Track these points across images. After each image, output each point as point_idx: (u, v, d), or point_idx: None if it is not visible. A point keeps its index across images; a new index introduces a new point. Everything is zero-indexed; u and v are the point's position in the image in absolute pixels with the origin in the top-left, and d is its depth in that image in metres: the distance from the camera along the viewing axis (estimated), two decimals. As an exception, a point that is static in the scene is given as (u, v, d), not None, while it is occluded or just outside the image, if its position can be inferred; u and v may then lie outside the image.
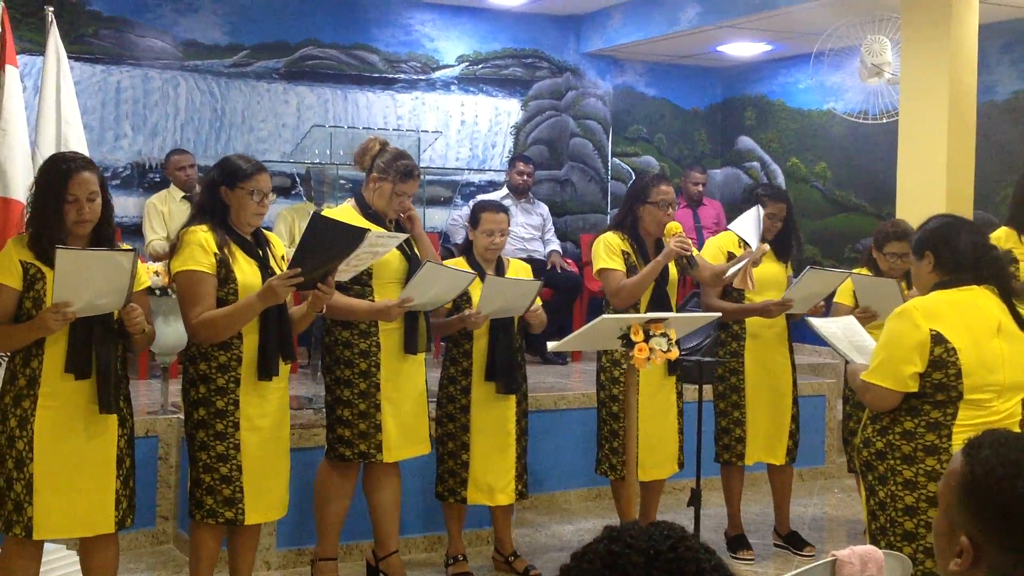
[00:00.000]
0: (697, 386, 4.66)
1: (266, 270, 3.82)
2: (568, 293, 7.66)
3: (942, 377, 3.10)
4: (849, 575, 2.21)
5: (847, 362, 5.19)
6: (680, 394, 4.96)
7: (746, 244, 5.02)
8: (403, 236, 4.23)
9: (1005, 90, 7.50)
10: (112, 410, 3.50)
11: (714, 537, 5.35)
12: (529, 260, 7.45)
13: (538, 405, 5.85)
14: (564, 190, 9.24)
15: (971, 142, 6.20)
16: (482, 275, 4.58)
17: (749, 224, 4.89)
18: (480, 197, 7.80)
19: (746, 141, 9.69)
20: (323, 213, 4.27)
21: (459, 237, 7.65)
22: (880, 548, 3.21)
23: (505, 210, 4.79)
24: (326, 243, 3.71)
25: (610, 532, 1.25)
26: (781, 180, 9.18)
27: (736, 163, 9.76)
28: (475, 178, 8.76)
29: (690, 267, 4.74)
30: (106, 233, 3.56)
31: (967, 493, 1.51)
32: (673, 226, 4.68)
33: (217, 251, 3.73)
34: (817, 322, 3.73)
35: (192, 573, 3.94)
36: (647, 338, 4.05)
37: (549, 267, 7.66)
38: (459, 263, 4.70)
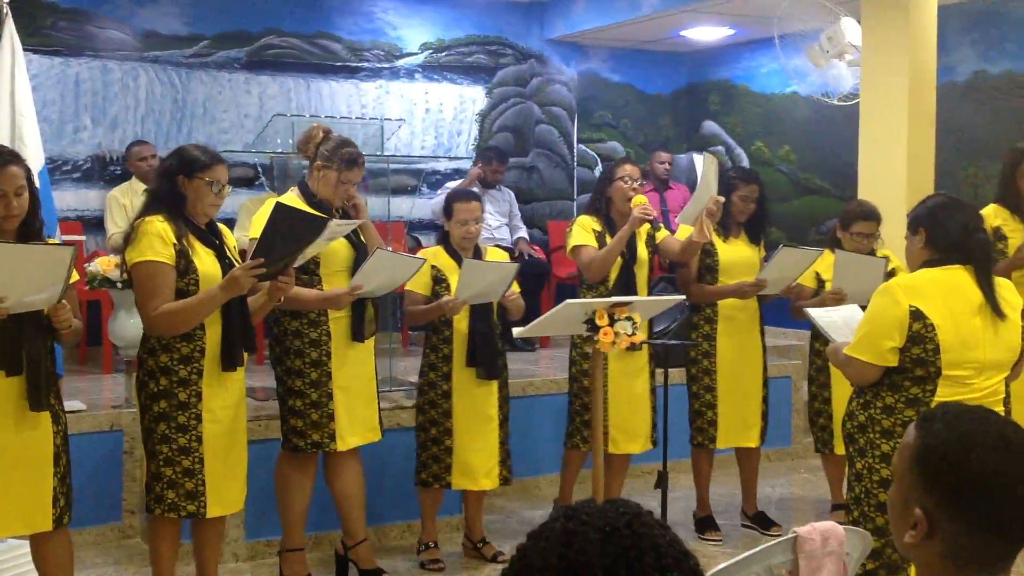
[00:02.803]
0: (677, 368, 4.73)
1: (223, 260, 3.79)
2: (535, 280, 7.67)
3: (921, 352, 3.18)
4: (810, 551, 2.23)
5: (814, 342, 5.25)
6: (653, 373, 5.03)
7: (718, 228, 5.11)
8: (356, 223, 4.22)
9: (965, 71, 7.57)
10: (43, 407, 3.41)
11: (682, 519, 5.39)
12: (497, 247, 7.46)
13: (520, 392, 5.86)
14: (530, 177, 9.24)
15: (931, 123, 6.26)
16: (460, 264, 4.61)
17: (702, 179, 4.91)
18: (449, 185, 7.80)
19: (711, 126, 9.73)
20: (268, 202, 4.22)
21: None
22: (855, 516, 3.29)
23: (478, 198, 4.86)
24: (288, 233, 3.69)
25: (566, 510, 1.25)
26: (746, 164, 9.22)
27: (701, 148, 9.77)
28: (441, 166, 8.73)
29: (655, 229, 5.01)
30: (33, 227, 3.49)
31: (920, 465, 1.53)
32: (638, 199, 4.86)
33: (176, 242, 3.68)
34: (815, 312, 3.79)
35: (154, 568, 3.90)
36: (612, 322, 4.07)
37: (517, 254, 7.66)
38: (437, 252, 4.75)
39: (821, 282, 5.15)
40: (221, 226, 3.97)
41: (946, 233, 3.27)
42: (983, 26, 7.49)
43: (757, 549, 2.25)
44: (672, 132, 9.90)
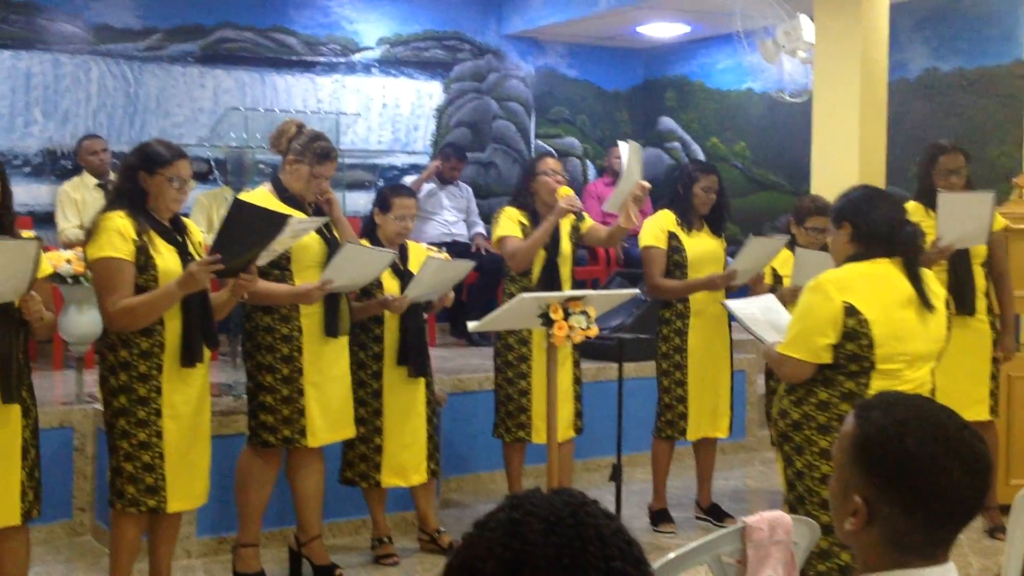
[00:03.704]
0: (631, 363, 4.76)
1: (185, 256, 3.75)
2: (493, 275, 7.65)
3: (855, 348, 3.15)
4: (758, 540, 2.25)
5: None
6: (577, 363, 5.05)
7: (680, 222, 5.15)
8: (323, 220, 4.19)
9: (916, 67, 7.66)
10: (15, 399, 3.40)
11: (637, 512, 5.42)
12: (453, 243, 7.46)
13: (463, 387, 5.87)
14: (488, 172, 9.24)
15: (882, 119, 6.33)
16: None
17: (627, 166, 4.91)
18: (406, 180, 7.79)
19: (667, 122, 9.78)
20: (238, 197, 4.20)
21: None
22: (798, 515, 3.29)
23: (414, 195, 4.87)
24: (247, 229, 3.66)
25: (512, 500, 1.25)
26: (703, 160, 9.28)
27: (658, 143, 9.84)
28: (398, 161, 8.71)
29: (579, 220, 5.04)
30: (5, 220, 3.47)
31: (859, 453, 1.54)
32: (564, 190, 4.90)
33: (136, 237, 3.65)
34: (734, 304, 3.77)
35: (112, 564, 3.87)
36: (566, 316, 4.08)
37: (474, 249, 7.67)
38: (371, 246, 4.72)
39: (778, 278, 5.20)
40: (188, 222, 3.94)
41: (872, 226, 3.21)
42: (934, 24, 7.59)
43: (706, 539, 2.27)
44: (629, 128, 9.94)
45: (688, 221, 5.17)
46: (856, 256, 3.23)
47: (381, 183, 8.51)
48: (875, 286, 3.18)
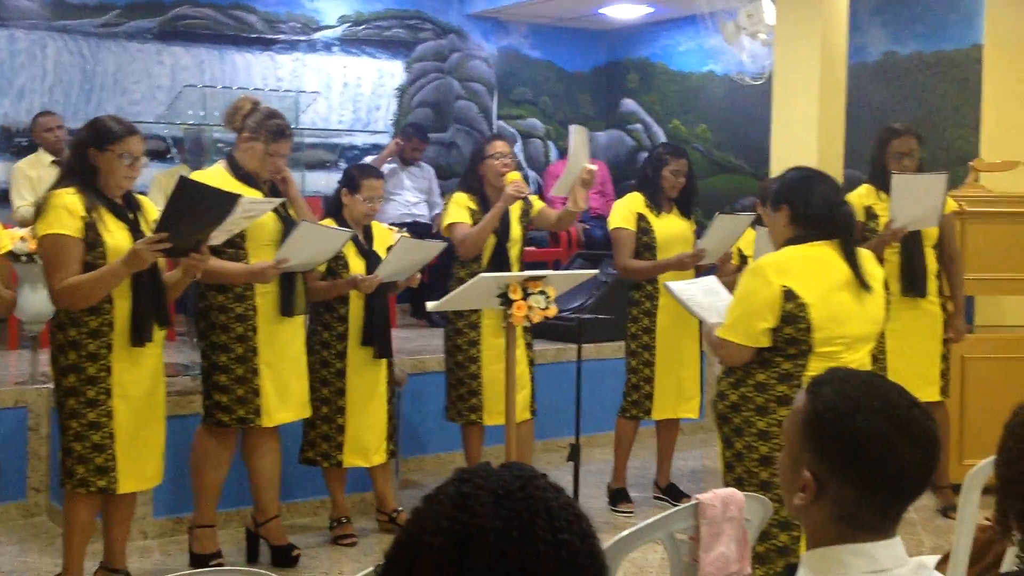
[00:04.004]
0: (579, 344, 4.74)
1: (137, 234, 3.70)
2: (453, 256, 7.65)
3: (793, 332, 3.13)
4: (711, 517, 2.27)
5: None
6: (530, 345, 5.07)
7: (649, 204, 5.16)
8: (278, 201, 4.15)
9: (876, 51, 7.71)
10: None
11: (595, 492, 5.45)
12: (415, 224, 7.44)
13: (423, 367, 5.86)
14: (450, 153, 9.21)
15: (841, 102, 6.37)
16: (354, 239, 4.60)
17: (571, 148, 4.91)
18: (367, 160, 7.74)
19: (629, 104, 9.79)
20: (192, 176, 4.15)
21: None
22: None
23: (382, 176, 4.87)
24: (195, 208, 3.61)
25: (460, 474, 1.26)
26: (664, 142, 9.30)
27: (620, 125, 9.86)
28: (359, 141, 8.66)
29: (529, 207, 5.03)
30: None
31: (809, 429, 1.56)
32: (512, 175, 4.89)
33: (85, 214, 3.60)
34: (675, 285, 3.77)
35: (65, 544, 3.84)
36: (525, 295, 4.08)
37: (435, 230, 7.64)
38: (328, 225, 4.68)
39: (744, 258, 5.24)
40: (143, 199, 3.89)
41: (809, 208, 3.19)
42: (893, 7, 7.64)
43: (660, 516, 2.28)
44: (591, 110, 9.94)
45: (657, 203, 5.19)
46: (795, 239, 3.21)
47: (343, 163, 8.46)
48: (814, 269, 3.16)
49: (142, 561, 4.49)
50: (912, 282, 5.01)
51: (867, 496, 1.52)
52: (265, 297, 4.23)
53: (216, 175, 4.16)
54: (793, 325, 3.12)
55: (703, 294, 3.61)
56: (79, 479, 3.68)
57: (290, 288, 4.26)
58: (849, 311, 3.18)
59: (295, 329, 4.36)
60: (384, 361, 4.72)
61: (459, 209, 4.95)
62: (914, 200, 4.83)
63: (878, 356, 5.08)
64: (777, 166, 6.34)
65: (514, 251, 5.02)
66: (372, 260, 4.60)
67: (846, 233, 3.19)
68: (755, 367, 3.22)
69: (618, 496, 5.39)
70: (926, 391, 5.07)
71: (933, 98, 7.37)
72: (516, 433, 5.00)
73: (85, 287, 3.57)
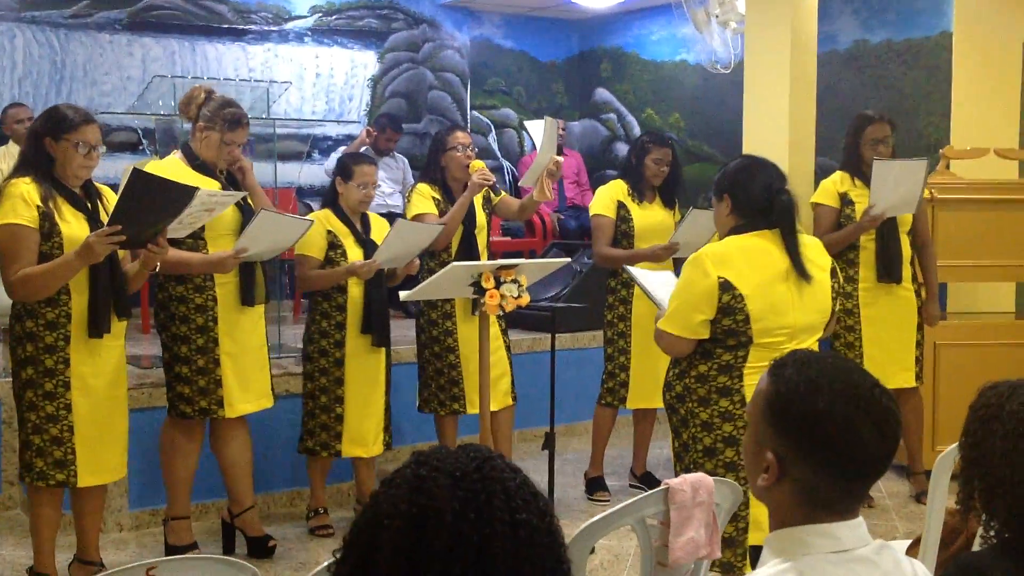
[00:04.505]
0: (566, 333, 4.76)
1: (95, 224, 3.67)
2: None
3: (731, 323, 3.10)
4: (681, 501, 2.28)
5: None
6: (504, 331, 5.08)
7: (631, 192, 5.17)
8: (240, 195, 4.13)
9: (846, 39, 7.75)
10: None
11: (572, 480, 5.47)
12: (388, 215, 7.41)
13: (399, 358, 5.84)
14: (423, 143, 9.17)
15: (812, 90, 6.40)
16: (353, 228, 4.60)
17: (540, 139, 4.92)
18: (340, 151, 7.72)
19: (603, 93, 9.80)
20: (148, 166, 4.11)
21: None
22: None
23: (375, 162, 4.86)
24: (150, 200, 3.57)
25: (418, 456, 1.27)
26: (637, 131, 9.32)
27: (594, 115, 9.87)
28: (332, 132, 8.63)
29: (495, 194, 5.04)
30: None
31: (771, 410, 1.57)
32: (476, 163, 4.90)
33: (41, 204, 3.57)
34: (633, 270, 3.76)
35: (33, 538, 3.83)
36: (498, 284, 4.09)
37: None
38: (328, 216, 4.69)
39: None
40: (104, 189, 3.86)
41: (750, 197, 3.14)
42: (864, -4, 7.68)
43: (630, 501, 2.29)
44: (565, 99, 9.94)
45: (639, 192, 5.20)
46: (736, 228, 3.18)
47: (316, 154, 8.44)
48: (752, 260, 3.12)
49: (118, 553, 4.48)
50: (888, 269, 5.05)
51: (829, 476, 1.53)
52: (225, 287, 4.20)
53: (172, 165, 4.13)
54: (731, 316, 3.09)
55: (659, 287, 3.58)
56: (38, 472, 3.66)
57: (250, 278, 4.24)
58: (789, 301, 3.13)
59: (256, 319, 4.34)
60: (383, 350, 4.71)
61: (424, 200, 4.93)
62: (894, 186, 4.86)
63: (853, 343, 5.13)
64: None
65: (481, 239, 5.02)
66: (370, 249, 4.60)
67: (786, 222, 3.14)
68: (697, 358, 3.20)
69: (594, 484, 5.41)
70: (901, 377, 5.12)
71: (903, 86, 7.41)
72: (495, 422, 5.02)
73: (39, 279, 3.54)
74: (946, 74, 6.87)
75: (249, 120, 4.29)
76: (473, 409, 4.95)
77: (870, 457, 1.54)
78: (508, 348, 5.10)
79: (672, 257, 5.14)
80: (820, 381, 1.55)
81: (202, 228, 4.09)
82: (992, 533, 1.88)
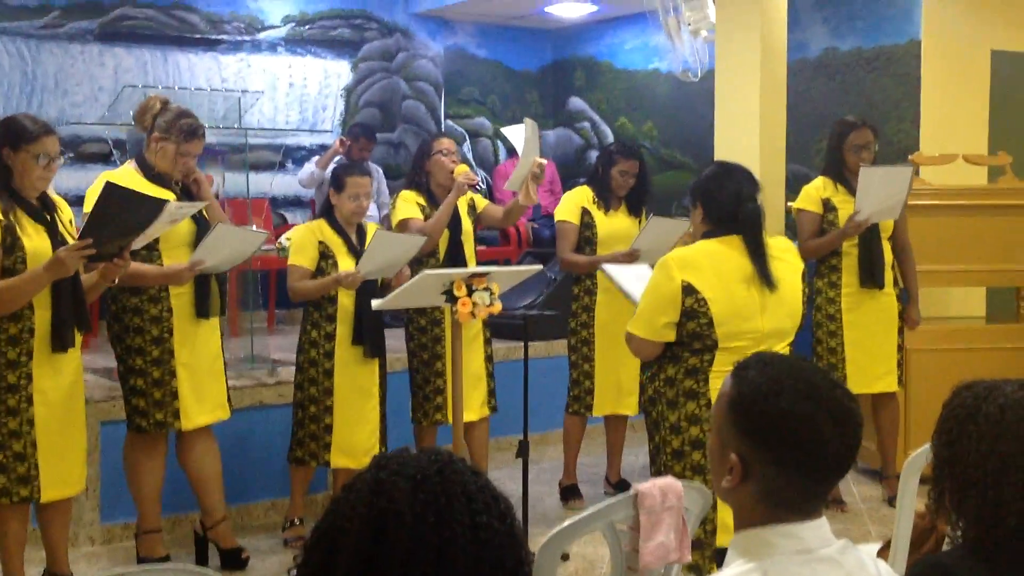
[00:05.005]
0: (541, 341, 4.75)
1: (55, 237, 3.64)
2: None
3: (695, 327, 3.13)
4: (650, 506, 2.28)
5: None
6: (488, 341, 5.05)
7: (596, 199, 5.20)
8: (201, 205, 4.11)
9: (816, 47, 7.80)
10: None
11: (547, 489, 5.47)
12: (360, 227, 7.40)
13: (397, 368, 5.81)
14: (397, 153, 9.19)
15: (782, 98, 6.43)
16: (346, 239, 4.59)
17: (521, 143, 4.90)
18: (316, 159, 7.69)
19: (577, 102, 9.82)
20: (100, 178, 4.06)
21: (313, 188, 7.63)
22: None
23: (369, 173, 4.84)
24: (121, 214, 3.55)
25: (378, 460, 1.26)
26: (611, 140, 9.34)
27: (568, 124, 9.89)
28: (306, 141, 8.61)
29: (476, 192, 5.06)
30: None
31: (734, 411, 1.58)
32: (461, 167, 4.91)
33: (2, 217, 3.53)
34: (609, 268, 3.79)
35: (1, 555, 3.76)
36: (470, 292, 4.08)
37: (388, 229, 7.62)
38: (321, 226, 4.68)
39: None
40: (57, 199, 3.82)
41: (718, 204, 3.20)
42: (833, 4, 7.73)
43: (599, 506, 2.29)
44: (539, 108, 9.96)
45: (605, 200, 5.22)
46: (707, 234, 3.23)
47: (289, 164, 8.42)
48: (717, 264, 3.15)
49: (90, 567, 4.44)
50: (871, 274, 5.09)
51: (791, 476, 1.54)
52: (181, 298, 4.17)
53: (126, 176, 4.06)
54: (695, 320, 3.12)
55: (636, 279, 3.63)
56: (1, 489, 3.60)
57: (205, 290, 4.21)
58: (754, 306, 3.15)
59: (211, 330, 4.30)
60: (376, 361, 4.68)
61: (408, 205, 4.93)
62: (879, 193, 4.90)
63: (836, 348, 5.16)
64: (721, 162, 6.39)
65: (468, 246, 5.01)
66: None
67: (751, 230, 3.17)
68: (666, 362, 3.24)
69: (569, 492, 5.41)
70: (884, 381, 5.16)
71: (873, 93, 7.47)
72: (470, 433, 5.01)
73: (7, 294, 3.49)
74: (915, 81, 6.93)
75: (205, 131, 4.25)
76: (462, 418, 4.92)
77: (832, 457, 1.54)
78: (490, 358, 5.08)
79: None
80: (782, 382, 1.56)
81: (156, 240, 4.04)
82: (959, 533, 1.89)
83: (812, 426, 1.53)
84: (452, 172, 4.89)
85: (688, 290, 3.10)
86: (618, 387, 5.30)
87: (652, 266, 5.08)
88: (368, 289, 4.58)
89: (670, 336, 3.16)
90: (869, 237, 5.06)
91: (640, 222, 5.31)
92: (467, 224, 5.02)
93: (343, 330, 4.60)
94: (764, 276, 3.14)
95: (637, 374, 5.35)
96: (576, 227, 5.18)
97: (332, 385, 4.60)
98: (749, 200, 3.19)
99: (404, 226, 4.90)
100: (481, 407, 5.01)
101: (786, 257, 3.27)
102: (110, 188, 3.55)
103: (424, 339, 4.91)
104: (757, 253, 3.16)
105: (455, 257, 4.90)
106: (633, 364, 5.34)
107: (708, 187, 3.24)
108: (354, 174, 4.69)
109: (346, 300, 4.59)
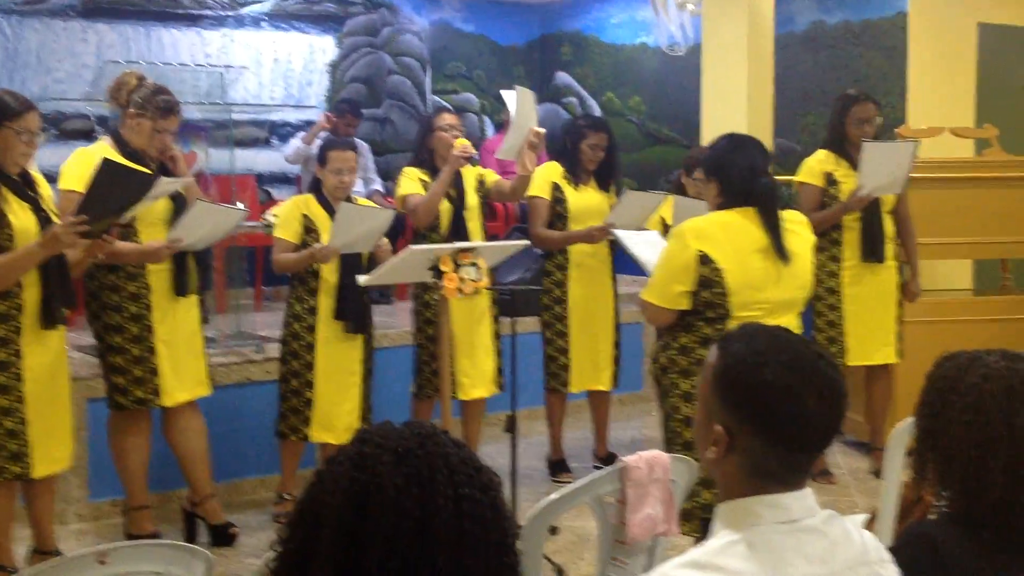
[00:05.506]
0: (531, 317, 4.75)
1: (39, 213, 3.64)
2: (392, 232, 7.54)
3: (709, 296, 3.21)
4: (637, 479, 2.29)
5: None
6: (496, 319, 5.03)
7: (566, 175, 5.16)
8: (187, 180, 4.10)
9: (803, 21, 7.78)
10: None
11: (536, 463, 5.48)
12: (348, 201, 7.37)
13: (391, 343, 5.80)
14: (384, 129, 9.15)
15: (769, 72, 6.43)
16: (331, 214, 4.56)
17: (513, 110, 4.85)
18: (299, 135, 7.66)
19: (563, 77, 9.78)
20: (74, 154, 4.04)
21: (299, 165, 7.58)
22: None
23: (354, 148, 4.78)
24: (115, 190, 3.55)
25: (361, 434, 1.26)
26: (598, 115, 9.32)
27: (555, 99, 9.85)
28: (292, 117, 8.57)
29: (472, 163, 5.01)
30: None
31: (719, 383, 1.58)
32: (460, 141, 4.88)
33: None
34: (621, 234, 3.84)
35: (-10, 532, 3.77)
36: (456, 268, 4.07)
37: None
38: (308, 201, 4.68)
39: (667, 227, 5.26)
40: (36, 175, 3.79)
41: (733, 178, 3.27)
42: (821, -23, 7.71)
43: (586, 479, 2.30)
44: (526, 83, 9.87)
45: (575, 174, 5.21)
46: (720, 205, 3.29)
47: (274, 140, 8.38)
48: (731, 235, 3.23)
49: (79, 544, 4.45)
50: (872, 248, 5.10)
51: (775, 448, 1.54)
52: (159, 275, 4.16)
53: (102, 152, 4.00)
54: (709, 289, 3.20)
55: (646, 245, 3.68)
56: None
57: (183, 267, 4.20)
58: (767, 276, 3.23)
59: (189, 306, 4.29)
60: (361, 337, 4.67)
61: (411, 181, 4.93)
62: (882, 168, 4.91)
63: (836, 321, 5.18)
64: (708, 137, 6.38)
65: (473, 223, 4.98)
66: None
67: (766, 203, 3.25)
68: (680, 331, 3.30)
69: (557, 467, 5.43)
70: (883, 353, 5.20)
71: (861, 66, 7.45)
72: (471, 408, 5.02)
73: (1, 271, 3.49)
74: (902, 54, 6.92)
75: (183, 108, 4.22)
76: (463, 395, 4.94)
77: (814, 428, 1.55)
78: (497, 335, 5.05)
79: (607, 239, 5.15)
80: (766, 353, 1.56)
81: (133, 217, 4.01)
82: (943, 503, 1.90)
83: (795, 398, 1.53)
84: (452, 147, 4.87)
85: (704, 260, 3.18)
86: (594, 363, 5.30)
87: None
88: (351, 264, 4.56)
89: (684, 304, 3.24)
90: (870, 211, 5.07)
91: (610, 196, 5.29)
92: (472, 199, 5.00)
93: (326, 305, 4.59)
94: (778, 248, 3.22)
95: (611, 349, 5.36)
96: (548, 202, 5.17)
97: (314, 359, 4.60)
98: (763, 173, 3.27)
99: (404, 201, 4.90)
100: (491, 384, 5.00)
101: (798, 229, 3.34)
102: (107, 164, 3.54)
103: (430, 314, 4.87)
104: (772, 225, 3.24)
105: (457, 231, 4.87)
106: (607, 340, 5.34)
107: (722, 161, 3.31)
108: (337, 148, 4.66)
109: (329, 275, 4.58)
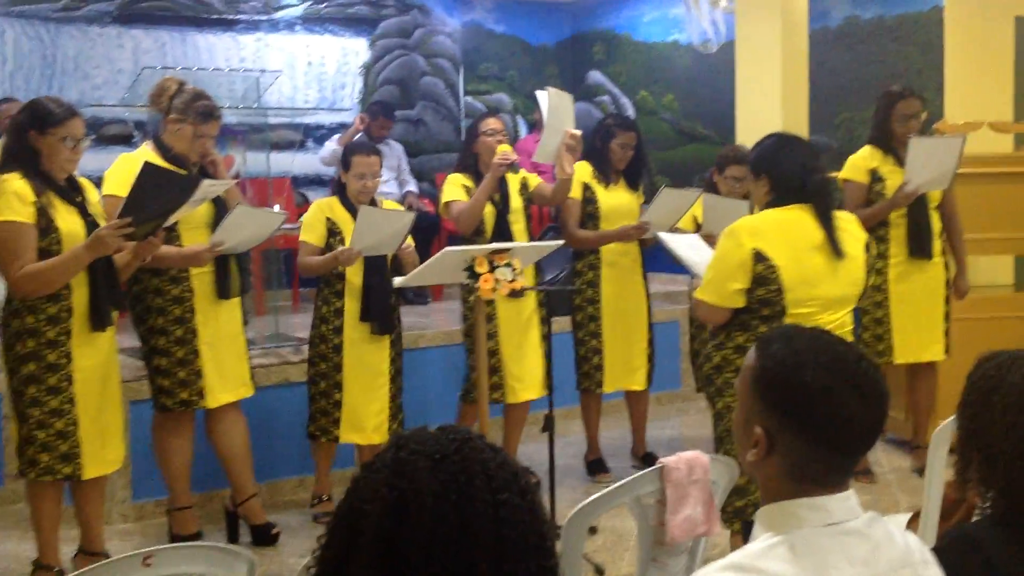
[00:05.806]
0: (564, 316, 4.74)
1: (86, 217, 3.69)
2: (425, 232, 7.63)
3: (765, 293, 3.23)
4: (676, 480, 2.29)
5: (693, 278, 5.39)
6: (544, 321, 5.05)
7: (596, 174, 5.14)
8: (230, 183, 4.15)
9: (838, 16, 7.72)
10: None
11: (574, 463, 5.48)
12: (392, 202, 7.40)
13: (412, 344, 5.83)
14: (417, 130, 9.18)
15: (804, 68, 6.39)
16: (355, 217, 4.54)
17: (546, 112, 4.81)
18: (334, 138, 7.69)
19: (596, 76, 9.77)
20: (118, 160, 4.09)
21: (335, 167, 7.62)
22: (719, 453, 3.37)
23: (378, 152, 4.77)
24: (158, 193, 3.60)
25: (397, 440, 1.26)
26: (632, 113, 9.30)
27: (587, 98, 9.83)
28: (326, 120, 8.62)
29: (513, 171, 4.98)
30: None
31: (759, 385, 1.58)
32: (502, 147, 4.87)
33: (35, 199, 3.56)
34: (665, 236, 3.85)
35: (36, 535, 3.82)
36: (492, 268, 4.08)
37: (406, 208, 7.61)
38: (332, 204, 4.70)
39: (699, 226, 5.24)
40: (83, 181, 3.85)
41: (785, 177, 3.29)
42: (855, -28, 7.65)
43: (625, 480, 2.30)
44: (559, 83, 9.88)
45: (605, 174, 5.20)
46: (772, 203, 3.30)
47: (309, 143, 8.43)
48: (786, 232, 3.24)
49: (123, 544, 4.49)
50: (920, 245, 5.07)
51: (816, 450, 1.54)
52: (201, 278, 4.21)
53: (145, 157, 4.03)
54: (765, 286, 3.21)
55: (690, 248, 3.69)
56: (43, 468, 3.65)
57: (225, 270, 4.25)
58: (822, 273, 3.24)
59: (231, 308, 4.34)
60: (387, 338, 4.68)
61: (454, 188, 4.94)
62: (929, 163, 4.89)
63: (882, 319, 5.15)
64: (742, 134, 6.36)
65: (518, 225, 4.97)
66: None
67: (820, 199, 3.27)
68: (735, 330, 3.33)
69: (595, 467, 5.42)
70: (931, 350, 5.16)
71: (896, 62, 7.39)
72: (515, 411, 5.02)
73: (47, 274, 3.55)
74: (938, 49, 6.85)
75: (222, 113, 4.27)
76: (513, 398, 4.92)
77: (856, 430, 1.54)
78: (546, 338, 4.99)
79: (643, 237, 5.13)
80: (805, 355, 1.55)
81: (175, 222, 4.06)
82: (987, 504, 1.89)
83: (836, 400, 1.52)
84: (495, 150, 4.86)
85: (759, 257, 3.20)
86: (627, 362, 5.29)
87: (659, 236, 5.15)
88: (376, 266, 4.58)
89: (739, 302, 3.26)
90: (917, 207, 5.04)
91: (639, 195, 5.28)
92: (516, 202, 4.99)
93: (351, 307, 4.61)
94: (833, 244, 3.24)
95: (645, 349, 5.34)
96: (579, 203, 5.17)
97: (341, 361, 4.62)
98: (815, 171, 3.29)
99: (448, 208, 4.91)
100: (539, 386, 4.99)
101: (849, 228, 3.35)
102: (148, 168, 3.59)
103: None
104: (827, 221, 3.25)
105: (502, 235, 4.86)
106: (640, 339, 5.33)
107: (773, 160, 3.32)
108: (360, 153, 4.67)
109: (354, 277, 4.60)
